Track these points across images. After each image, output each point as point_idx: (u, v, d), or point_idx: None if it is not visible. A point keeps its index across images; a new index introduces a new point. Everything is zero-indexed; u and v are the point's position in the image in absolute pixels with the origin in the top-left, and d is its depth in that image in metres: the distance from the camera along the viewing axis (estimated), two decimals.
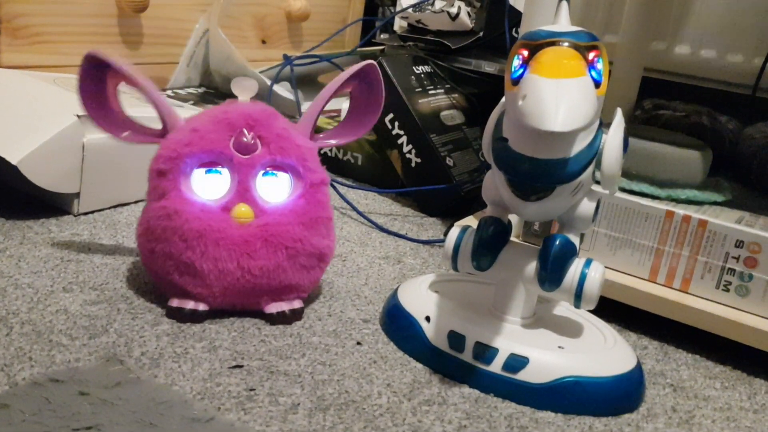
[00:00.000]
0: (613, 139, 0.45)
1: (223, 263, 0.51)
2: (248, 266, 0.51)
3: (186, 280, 0.51)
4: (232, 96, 0.55)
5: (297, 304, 0.54)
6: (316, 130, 0.57)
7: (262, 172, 0.53)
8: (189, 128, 0.52)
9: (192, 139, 0.52)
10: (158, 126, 0.54)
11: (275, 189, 0.54)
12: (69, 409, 0.39)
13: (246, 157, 0.52)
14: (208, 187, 0.52)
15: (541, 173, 0.43)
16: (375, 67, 0.56)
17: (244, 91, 0.54)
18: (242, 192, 0.52)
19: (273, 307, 0.53)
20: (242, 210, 0.51)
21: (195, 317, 0.52)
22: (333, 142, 0.58)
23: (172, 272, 0.51)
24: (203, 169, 0.52)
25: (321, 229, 0.54)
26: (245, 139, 0.52)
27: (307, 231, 0.53)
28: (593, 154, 0.45)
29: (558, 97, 0.39)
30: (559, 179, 0.44)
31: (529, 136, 0.43)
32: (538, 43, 0.42)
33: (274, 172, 0.53)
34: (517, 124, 0.43)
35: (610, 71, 0.50)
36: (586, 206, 0.47)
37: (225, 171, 0.52)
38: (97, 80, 0.53)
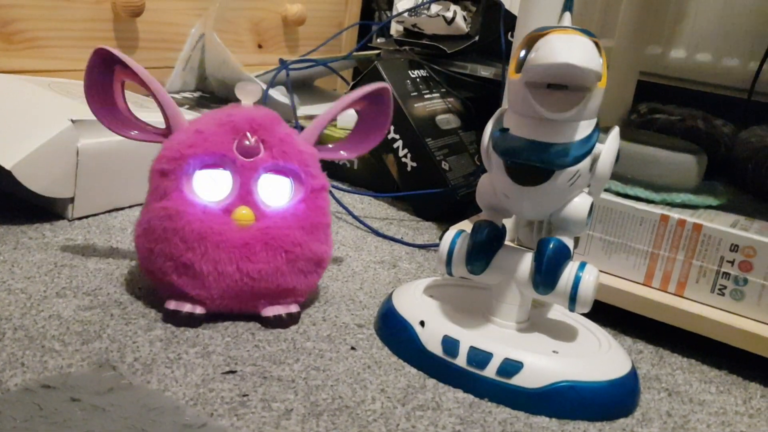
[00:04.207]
0: (611, 143, 0.47)
1: (222, 265, 0.51)
2: (247, 269, 0.51)
3: (184, 282, 0.51)
4: (228, 101, 0.56)
5: (294, 308, 0.54)
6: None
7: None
8: (193, 129, 0.52)
9: (196, 140, 0.52)
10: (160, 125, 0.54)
11: (276, 192, 0.54)
12: (61, 415, 0.39)
13: (248, 160, 0.52)
14: (209, 188, 0.52)
15: (541, 153, 0.44)
16: (388, 90, 0.59)
17: (248, 95, 0.55)
18: (244, 195, 0.52)
19: (270, 311, 0.53)
20: (243, 212, 0.52)
21: (191, 321, 0.52)
22: (343, 154, 0.60)
23: (170, 273, 0.51)
24: (206, 171, 0.52)
25: (320, 234, 0.54)
26: (248, 143, 0.52)
27: (306, 236, 0.53)
28: (590, 147, 0.46)
29: (570, 42, 0.41)
30: (558, 162, 0.44)
31: (530, 120, 0.44)
32: (545, 33, 0.43)
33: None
34: (520, 111, 0.44)
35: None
36: (580, 207, 0.47)
37: (227, 173, 0.52)
38: (104, 76, 0.53)
